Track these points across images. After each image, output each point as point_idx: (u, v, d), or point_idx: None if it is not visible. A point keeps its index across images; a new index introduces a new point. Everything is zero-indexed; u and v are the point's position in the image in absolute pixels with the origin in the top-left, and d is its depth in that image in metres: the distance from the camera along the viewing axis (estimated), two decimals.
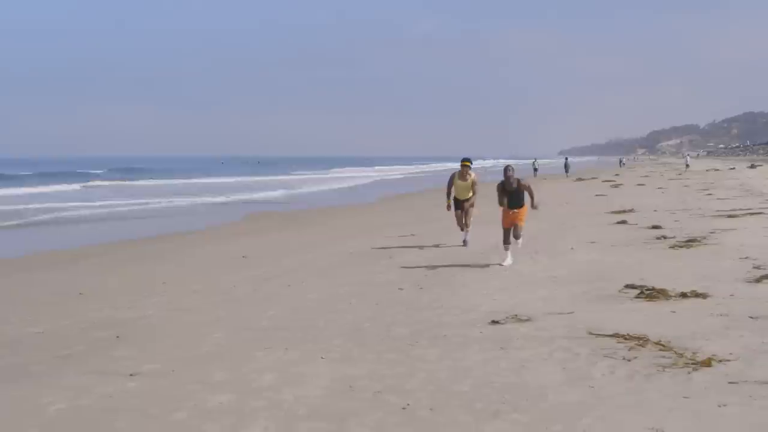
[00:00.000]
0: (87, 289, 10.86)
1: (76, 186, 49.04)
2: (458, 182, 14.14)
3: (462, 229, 14.22)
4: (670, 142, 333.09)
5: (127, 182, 54.46)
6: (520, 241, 12.14)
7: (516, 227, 11.87)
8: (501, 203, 11.85)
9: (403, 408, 5.22)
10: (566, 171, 61.22)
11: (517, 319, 7.73)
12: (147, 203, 32.71)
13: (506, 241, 11.86)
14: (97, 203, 31.88)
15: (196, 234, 19.52)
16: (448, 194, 14.20)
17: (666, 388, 5.34)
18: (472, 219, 14.26)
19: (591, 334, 6.96)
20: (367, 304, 8.95)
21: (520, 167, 68.42)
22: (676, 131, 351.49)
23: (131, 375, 6.32)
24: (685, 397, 5.14)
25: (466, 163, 14.19)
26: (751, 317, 7.35)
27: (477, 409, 5.12)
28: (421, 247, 14.17)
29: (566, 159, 70.64)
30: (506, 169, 11.86)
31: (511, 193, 11.74)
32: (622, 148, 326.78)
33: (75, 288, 10.96)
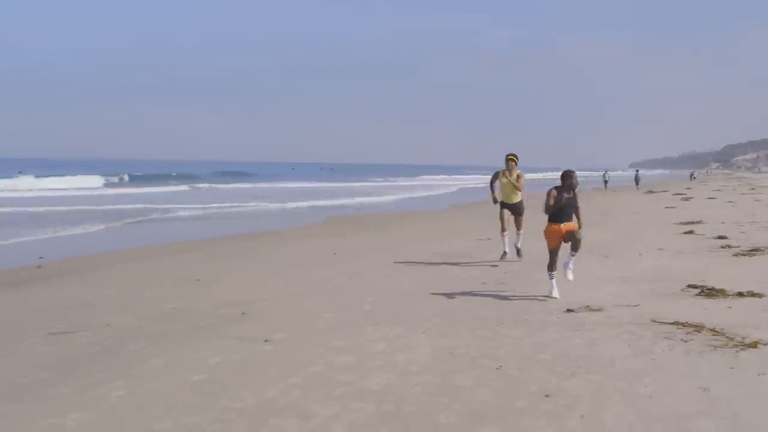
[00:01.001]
0: (201, 276, 12.34)
1: (184, 187, 54.35)
2: (502, 180, 13.41)
3: (503, 231, 13.50)
4: (746, 157, 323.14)
5: (223, 185, 59.32)
6: (571, 268, 9.97)
7: (575, 240, 9.65)
8: (547, 211, 9.68)
9: (497, 368, 6.45)
10: (637, 183, 61.22)
11: (589, 309, 8.86)
12: (240, 205, 35.38)
13: (552, 267, 9.90)
14: (202, 204, 34.66)
15: (288, 232, 21.18)
16: (491, 188, 13.75)
17: (715, 363, 6.44)
18: (522, 230, 13.66)
19: (654, 321, 8.07)
20: (455, 294, 10.16)
21: (593, 179, 67.71)
22: (752, 145, 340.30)
23: (266, 341, 7.66)
24: (731, 368, 6.24)
25: (511, 157, 13.17)
26: None
27: (557, 371, 6.32)
28: (497, 250, 15.18)
29: (637, 171, 70.25)
30: (570, 173, 9.70)
31: (566, 202, 9.65)
32: (695, 161, 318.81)
33: (190, 275, 12.44)
